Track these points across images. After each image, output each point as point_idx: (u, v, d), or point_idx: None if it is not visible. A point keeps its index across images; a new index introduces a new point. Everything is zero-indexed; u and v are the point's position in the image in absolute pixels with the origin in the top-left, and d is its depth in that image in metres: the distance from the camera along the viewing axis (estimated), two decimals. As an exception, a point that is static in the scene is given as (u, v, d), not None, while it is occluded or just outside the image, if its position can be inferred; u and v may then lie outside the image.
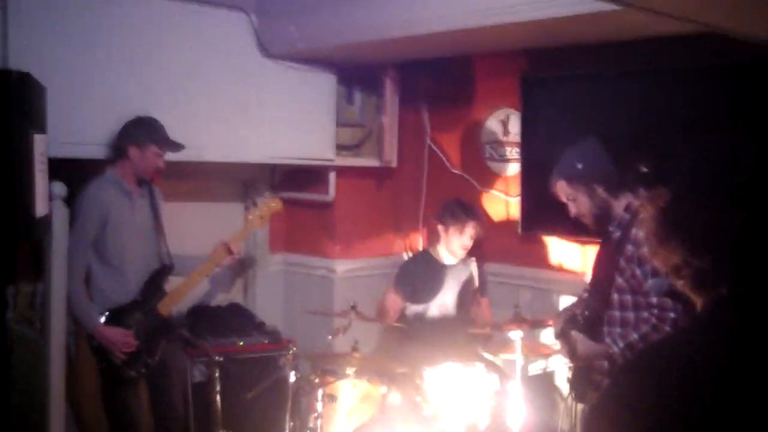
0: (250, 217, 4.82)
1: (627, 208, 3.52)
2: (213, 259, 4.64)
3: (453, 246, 5.08)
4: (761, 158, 4.20)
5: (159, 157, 4.37)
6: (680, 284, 1.60)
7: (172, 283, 4.61)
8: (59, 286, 4.24)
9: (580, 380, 3.59)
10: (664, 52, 4.55)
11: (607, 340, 3.41)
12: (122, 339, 4.26)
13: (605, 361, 3.46)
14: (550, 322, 4.32)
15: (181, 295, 4.56)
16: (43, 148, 3.71)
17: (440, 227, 5.11)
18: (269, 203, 4.87)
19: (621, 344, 3.34)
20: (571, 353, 3.47)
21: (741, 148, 4.33)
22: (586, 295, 3.83)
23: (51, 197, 4.07)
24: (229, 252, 4.64)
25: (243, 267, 6.01)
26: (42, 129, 3.75)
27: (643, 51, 4.60)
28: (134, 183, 4.42)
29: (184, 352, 4.77)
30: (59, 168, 4.01)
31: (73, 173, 4.38)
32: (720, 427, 1.39)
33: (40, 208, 3.67)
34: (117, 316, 4.32)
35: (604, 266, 3.58)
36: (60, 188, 4.19)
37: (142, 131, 4.34)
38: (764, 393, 1.40)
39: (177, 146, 4.41)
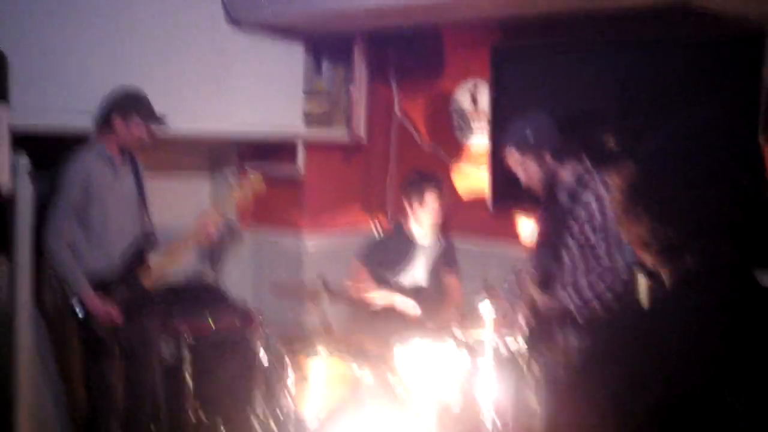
0: (233, 194, 4.74)
1: (573, 175, 3.72)
2: (195, 230, 4.58)
3: (420, 219, 5.04)
4: (732, 134, 4.21)
5: (143, 129, 4.34)
6: (648, 258, 1.58)
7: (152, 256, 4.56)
8: (25, 261, 4.16)
9: (534, 336, 3.79)
10: (637, 24, 4.53)
11: (562, 296, 3.61)
12: (110, 309, 4.25)
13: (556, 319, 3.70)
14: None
15: (165, 266, 4.52)
16: (5, 117, 3.63)
17: (405, 203, 5.07)
18: (253, 182, 4.80)
19: (577, 300, 3.57)
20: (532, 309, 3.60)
21: (713, 124, 4.33)
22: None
23: (15, 171, 3.97)
24: (210, 226, 4.60)
25: (228, 241, 5.98)
26: (4, 98, 3.66)
27: (616, 23, 4.58)
28: (118, 153, 4.39)
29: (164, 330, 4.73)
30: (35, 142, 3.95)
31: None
32: (691, 405, 1.39)
33: (3, 179, 3.59)
34: (101, 286, 4.30)
35: (552, 229, 3.75)
36: (24, 160, 4.08)
37: (127, 102, 4.31)
38: (734, 369, 1.40)
39: (161, 120, 4.40)
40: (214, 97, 5.06)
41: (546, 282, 3.71)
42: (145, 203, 4.51)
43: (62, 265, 4.26)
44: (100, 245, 4.33)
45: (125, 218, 4.43)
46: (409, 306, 5.01)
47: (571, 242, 3.62)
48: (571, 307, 3.56)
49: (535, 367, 3.99)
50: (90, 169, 4.27)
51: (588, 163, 3.73)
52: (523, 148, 3.79)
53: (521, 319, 3.79)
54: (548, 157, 3.75)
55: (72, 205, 4.24)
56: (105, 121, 4.33)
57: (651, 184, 1.55)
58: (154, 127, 4.39)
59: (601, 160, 3.75)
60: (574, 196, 3.66)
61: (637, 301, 3.58)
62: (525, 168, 3.80)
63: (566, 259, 3.66)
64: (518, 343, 4.94)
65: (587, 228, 3.57)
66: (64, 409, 4.75)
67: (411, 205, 5.02)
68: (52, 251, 4.23)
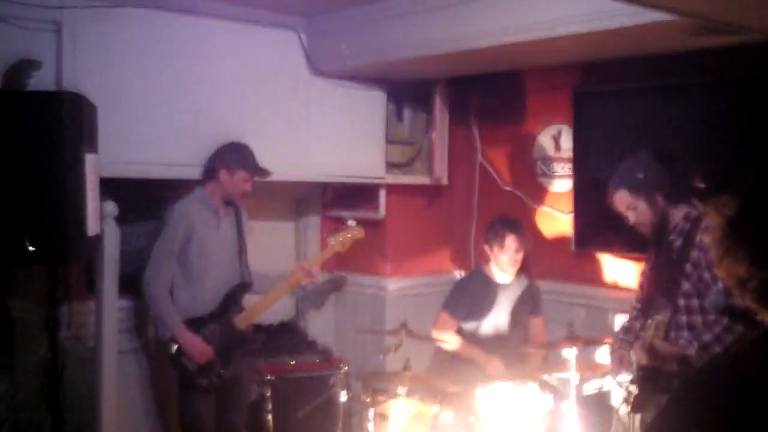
0: (332, 242, 4.84)
1: (686, 218, 3.61)
2: (292, 279, 4.73)
3: (500, 263, 5.03)
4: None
5: (246, 182, 4.51)
6: (746, 297, 1.52)
7: (249, 300, 4.66)
8: (111, 303, 4.29)
9: (645, 386, 3.54)
10: (716, 63, 4.47)
11: (681, 341, 3.44)
12: (202, 346, 4.36)
13: (674, 364, 3.47)
14: (606, 340, 4.25)
15: (259, 311, 4.63)
16: (94, 167, 3.76)
17: (486, 247, 5.08)
18: (352, 230, 4.88)
19: (696, 344, 3.37)
20: (650, 354, 3.44)
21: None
22: (635, 312, 3.81)
23: (103, 216, 4.12)
24: (309, 274, 4.72)
25: (335, 286, 6.08)
26: (93, 149, 3.81)
27: (694, 62, 4.52)
28: (221, 202, 4.55)
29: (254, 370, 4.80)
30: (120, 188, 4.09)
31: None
32: None
33: (92, 228, 3.72)
34: (195, 325, 4.40)
35: (665, 274, 3.61)
36: (112, 207, 4.24)
37: (234, 156, 4.49)
38: None
39: (265, 173, 4.56)
40: (297, 146, 5.15)
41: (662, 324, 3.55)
42: (244, 249, 4.65)
43: (158, 304, 4.39)
44: (196, 288, 4.45)
45: (223, 264, 4.56)
46: (492, 365, 4.95)
47: (685, 284, 3.51)
48: (691, 351, 3.38)
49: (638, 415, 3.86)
50: (193, 214, 4.43)
51: (700, 207, 3.61)
52: (635, 189, 3.69)
53: (632, 363, 3.61)
54: (660, 199, 3.67)
55: (174, 248, 4.38)
56: (211, 171, 4.50)
57: (750, 219, 1.50)
58: (257, 179, 4.53)
59: (704, 199, 3.65)
60: (687, 238, 3.56)
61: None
62: (636, 210, 3.69)
63: (682, 302, 3.53)
64: (603, 386, 4.88)
65: (702, 268, 3.45)
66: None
67: (491, 249, 5.02)
68: (149, 290, 4.36)
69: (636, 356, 3.58)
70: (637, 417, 3.74)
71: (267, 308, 4.67)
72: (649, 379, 3.52)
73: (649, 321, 3.55)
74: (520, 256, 5.01)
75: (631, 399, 3.61)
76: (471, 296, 5.13)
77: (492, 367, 4.96)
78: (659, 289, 3.65)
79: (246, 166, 4.47)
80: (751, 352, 1.51)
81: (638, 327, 3.76)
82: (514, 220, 5.11)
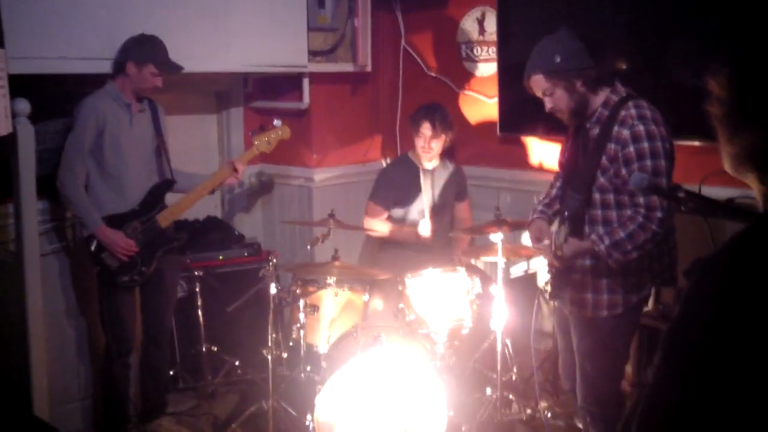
0: (257, 141, 4.73)
1: (605, 104, 3.43)
2: (217, 177, 4.64)
3: (417, 148, 5.04)
4: None
5: (156, 77, 4.33)
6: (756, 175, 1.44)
7: (172, 198, 4.57)
8: (29, 205, 4.15)
9: (558, 279, 3.57)
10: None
11: (592, 237, 3.36)
12: (123, 241, 4.30)
13: (586, 260, 3.44)
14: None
15: (182, 209, 4.54)
16: (1, 63, 3.59)
17: (412, 133, 5.06)
18: (278, 130, 4.77)
19: (607, 241, 3.29)
20: (556, 253, 3.43)
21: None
22: (554, 191, 3.77)
23: (15, 115, 3.96)
24: (234, 171, 4.63)
25: (263, 186, 6.02)
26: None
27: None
28: (133, 98, 4.40)
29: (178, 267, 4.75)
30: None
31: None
32: None
33: (3, 127, 3.57)
34: (116, 222, 4.34)
35: (582, 164, 3.50)
36: (23, 105, 4.06)
37: (142, 49, 4.30)
38: None
39: (176, 68, 4.38)
40: (217, 36, 4.98)
41: (573, 220, 3.45)
42: (164, 147, 4.53)
43: (74, 202, 4.29)
44: (114, 185, 4.35)
45: (140, 161, 4.44)
46: (420, 226, 4.99)
47: (601, 178, 3.37)
48: (601, 247, 3.29)
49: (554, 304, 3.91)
50: (104, 110, 4.28)
51: (622, 90, 3.43)
52: (552, 74, 3.40)
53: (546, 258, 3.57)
54: (579, 84, 3.40)
55: (85, 145, 4.26)
56: (120, 67, 4.33)
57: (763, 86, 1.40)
58: (168, 73, 4.37)
59: (611, 83, 3.51)
60: (604, 127, 3.37)
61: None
62: (552, 96, 3.44)
63: (597, 196, 3.40)
64: (529, 268, 4.98)
65: (620, 161, 3.29)
66: (85, 345, 4.81)
67: (413, 135, 5.02)
68: (64, 189, 4.26)
69: (548, 261, 3.55)
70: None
71: (190, 206, 4.59)
72: (561, 273, 3.53)
73: (559, 226, 3.50)
74: (435, 144, 4.99)
75: (548, 289, 3.66)
76: (395, 183, 5.14)
77: (422, 230, 4.98)
78: (573, 179, 3.61)
79: (154, 60, 4.29)
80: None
81: (555, 208, 3.73)
82: (434, 106, 5.06)
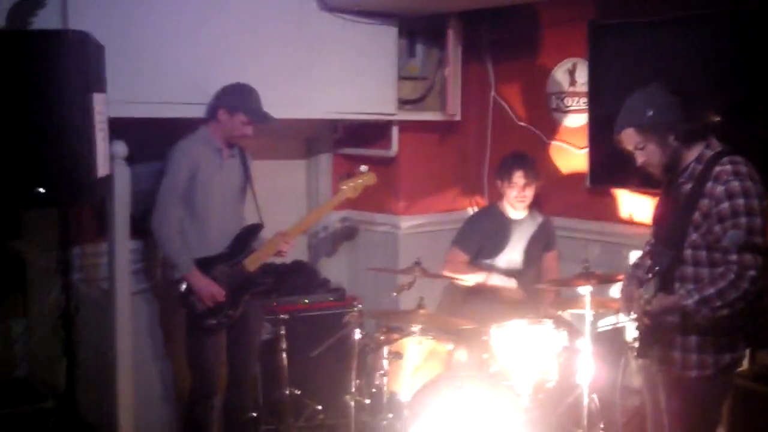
0: (344, 187, 4.80)
1: (699, 159, 3.35)
2: (268, 248, 4.59)
3: (509, 198, 5.04)
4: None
5: (246, 126, 4.40)
6: None
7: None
8: (122, 245, 4.26)
9: (647, 336, 3.46)
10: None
11: (681, 291, 3.27)
12: (212, 287, 4.35)
13: (675, 318, 3.34)
14: (621, 277, 4.20)
15: (268, 254, 4.58)
16: (102, 107, 3.71)
17: (498, 182, 5.06)
18: (364, 176, 4.84)
19: (696, 296, 3.20)
20: (644, 308, 3.33)
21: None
22: (648, 248, 3.69)
23: (112, 157, 4.08)
24: (281, 250, 4.62)
25: (347, 229, 6.10)
26: (101, 88, 3.75)
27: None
28: (224, 143, 4.48)
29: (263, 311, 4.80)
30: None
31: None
32: None
33: (101, 169, 3.68)
34: (204, 266, 4.39)
35: (674, 220, 3.42)
36: (121, 147, 4.18)
37: (234, 98, 4.39)
38: None
39: (266, 119, 4.44)
40: (308, 83, 5.06)
41: (664, 278, 3.34)
42: (252, 191, 4.60)
43: (168, 244, 4.36)
44: (203, 229, 4.42)
45: (228, 206, 4.52)
46: (507, 282, 4.97)
47: (693, 235, 3.28)
48: (689, 302, 3.19)
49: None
50: (197, 154, 4.37)
51: (716, 145, 3.35)
52: (644, 128, 3.34)
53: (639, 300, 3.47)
54: (672, 139, 3.33)
55: (179, 188, 4.34)
56: (213, 112, 4.42)
57: None
58: (259, 124, 4.44)
59: (706, 138, 3.43)
60: (697, 182, 3.29)
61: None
62: (644, 150, 3.38)
63: (689, 252, 3.31)
64: (618, 322, 4.87)
65: (714, 217, 3.20)
66: (170, 386, 4.87)
67: (501, 184, 5.02)
68: (158, 231, 4.34)
69: (637, 318, 3.45)
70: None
71: (272, 254, 4.61)
72: (650, 331, 3.41)
73: (649, 276, 3.40)
74: (528, 192, 4.98)
75: (635, 346, 3.55)
76: (482, 231, 5.12)
77: (511, 291, 4.95)
78: (664, 235, 3.52)
79: (245, 108, 4.37)
80: None
81: (645, 265, 3.62)
82: (523, 155, 5.08)
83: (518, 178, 4.94)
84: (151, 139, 4.61)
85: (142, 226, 4.43)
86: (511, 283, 5.01)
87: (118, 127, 4.01)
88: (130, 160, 4.29)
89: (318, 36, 5.08)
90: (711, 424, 3.47)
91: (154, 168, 4.57)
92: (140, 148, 4.45)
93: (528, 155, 5.06)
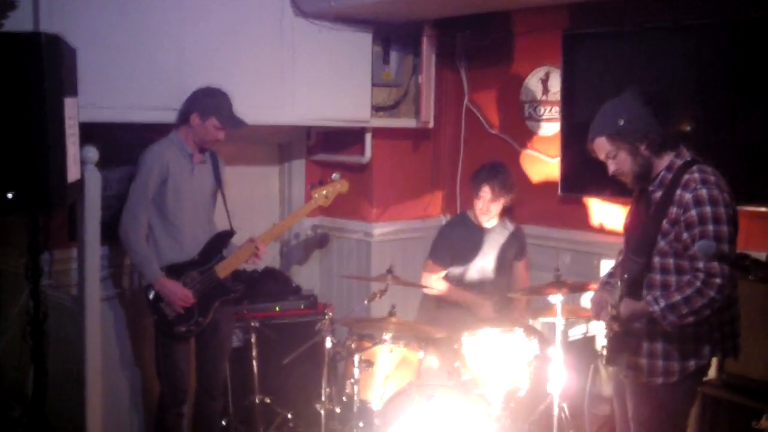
0: (315, 195, 4.79)
1: (669, 167, 3.39)
2: (238, 255, 4.57)
3: (475, 209, 5.04)
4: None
5: (219, 131, 4.38)
6: None
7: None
8: (93, 251, 4.22)
9: (615, 344, 3.49)
10: (709, 5, 4.38)
11: (647, 298, 3.31)
12: (182, 293, 4.32)
13: (642, 325, 3.38)
14: (591, 286, 4.22)
15: (239, 261, 4.55)
16: (73, 111, 3.68)
17: (472, 192, 5.06)
18: (336, 184, 4.83)
19: (662, 303, 3.24)
20: (614, 318, 3.35)
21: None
22: (621, 257, 3.71)
23: (83, 162, 4.04)
24: (255, 251, 4.57)
25: (319, 237, 6.09)
26: (73, 92, 3.71)
27: (687, 3, 4.44)
28: (196, 148, 4.45)
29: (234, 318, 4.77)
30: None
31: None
32: None
33: (72, 174, 3.64)
34: (174, 272, 4.37)
35: (643, 227, 3.45)
36: (92, 153, 4.14)
37: (207, 102, 4.36)
38: None
39: (238, 123, 4.42)
40: (282, 89, 5.05)
41: (632, 285, 3.39)
42: (223, 198, 4.58)
43: (136, 250, 4.33)
44: (174, 234, 4.39)
45: (199, 211, 4.49)
46: (484, 309, 4.97)
47: (661, 242, 3.33)
48: (655, 309, 3.24)
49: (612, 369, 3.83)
50: (168, 159, 4.34)
51: (686, 154, 3.39)
52: (615, 137, 3.39)
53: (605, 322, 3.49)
54: (643, 148, 3.38)
55: (149, 193, 4.31)
56: (185, 117, 4.39)
57: None
58: (231, 129, 4.42)
59: (676, 147, 3.46)
60: (667, 190, 3.34)
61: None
62: (616, 159, 3.43)
63: (657, 260, 3.36)
64: (588, 331, 4.90)
65: (682, 225, 3.25)
66: (139, 394, 4.83)
67: (474, 196, 5.01)
68: (127, 236, 4.31)
69: (606, 324, 3.47)
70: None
71: (243, 261, 4.59)
72: (617, 338, 3.45)
73: (618, 283, 3.42)
74: (493, 207, 4.98)
75: (604, 353, 3.58)
76: (453, 241, 5.14)
77: (484, 309, 4.96)
78: (633, 243, 3.53)
79: (218, 114, 4.34)
80: None
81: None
82: (498, 168, 5.03)
83: (485, 192, 4.94)
84: (120, 144, 4.58)
85: (109, 231, 4.38)
86: (484, 303, 5.00)
87: (88, 131, 3.97)
88: (100, 165, 4.25)
89: (293, 42, 5.07)
90: (678, 430, 3.50)
91: (123, 173, 4.53)
92: (108, 152, 4.40)
93: (503, 168, 5.03)
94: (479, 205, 4.99)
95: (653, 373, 3.39)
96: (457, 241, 5.12)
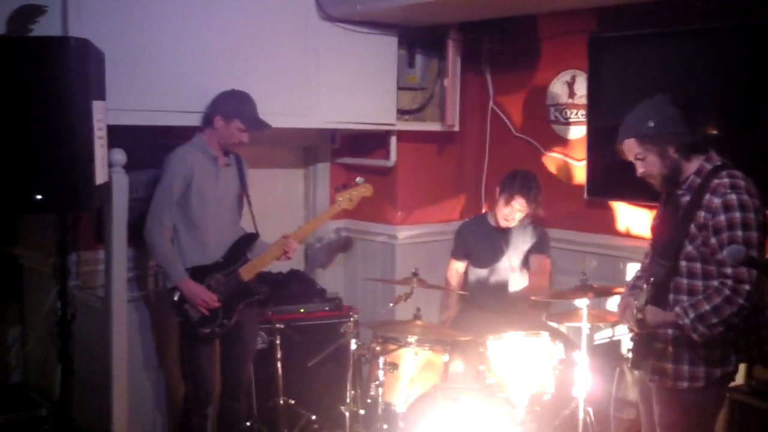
0: (339, 198, 4.79)
1: (698, 171, 3.37)
2: (270, 253, 4.58)
3: (497, 212, 5.04)
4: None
5: (242, 133, 4.39)
6: None
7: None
8: (120, 253, 4.25)
9: (640, 348, 3.48)
10: (737, 8, 4.35)
11: (677, 309, 3.28)
12: (207, 295, 4.33)
13: (668, 330, 3.36)
14: (618, 290, 4.20)
15: (264, 263, 4.56)
16: (101, 115, 3.71)
17: (497, 190, 5.04)
18: (360, 188, 4.83)
19: (692, 314, 3.21)
20: (640, 322, 3.34)
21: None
22: (647, 260, 3.69)
23: (110, 164, 4.08)
24: (286, 253, 4.58)
25: (343, 243, 6.10)
26: (101, 96, 3.75)
27: (715, 6, 4.42)
28: (220, 150, 4.46)
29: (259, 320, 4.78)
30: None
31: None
32: None
33: (100, 176, 3.68)
34: (199, 274, 4.38)
35: (670, 231, 3.44)
36: (120, 155, 4.18)
37: (230, 105, 4.38)
38: None
39: (262, 125, 4.43)
40: (307, 92, 5.06)
41: (658, 289, 3.38)
42: (248, 201, 4.59)
43: (161, 252, 4.35)
44: (199, 237, 4.41)
45: (223, 214, 4.50)
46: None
47: (689, 246, 3.31)
48: (686, 321, 3.21)
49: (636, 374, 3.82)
50: (193, 162, 4.35)
51: (716, 158, 3.38)
52: (644, 139, 3.38)
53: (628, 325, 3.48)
54: (672, 150, 3.36)
55: (174, 196, 4.33)
56: (209, 120, 4.42)
57: None
58: (255, 131, 4.43)
59: (705, 151, 3.44)
60: (696, 194, 3.33)
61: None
62: (644, 161, 3.42)
63: (684, 264, 3.35)
64: (614, 335, 4.87)
65: (710, 229, 3.23)
66: (163, 395, 4.86)
67: (499, 197, 5.02)
68: (152, 239, 4.32)
69: (628, 325, 3.46)
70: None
71: (272, 261, 4.60)
72: (643, 342, 3.45)
73: (644, 286, 3.40)
74: (518, 216, 4.99)
75: (630, 357, 3.57)
76: (468, 239, 5.20)
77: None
78: (661, 246, 3.51)
79: (242, 116, 4.36)
80: None
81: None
82: (531, 180, 5.02)
83: (519, 204, 4.93)
84: (146, 147, 4.61)
85: (136, 233, 4.42)
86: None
87: (115, 134, 4.00)
88: (127, 167, 4.28)
89: (318, 45, 5.08)
90: None
91: (149, 175, 4.56)
92: (135, 155, 4.44)
93: (536, 182, 5.01)
94: (506, 211, 4.96)
95: (679, 377, 3.37)
96: (475, 240, 5.13)
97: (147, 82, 4.34)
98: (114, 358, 4.26)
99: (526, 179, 4.98)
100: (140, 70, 4.30)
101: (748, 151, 4.36)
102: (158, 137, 4.66)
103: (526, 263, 5.11)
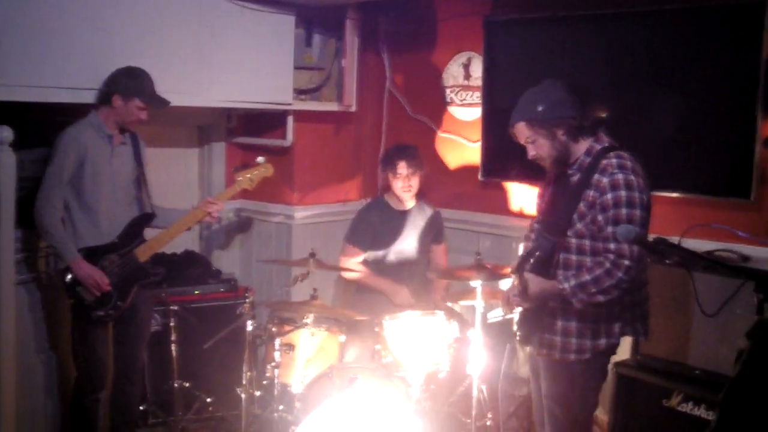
0: (240, 178, 4.73)
1: (588, 152, 3.48)
2: (194, 215, 4.59)
3: (396, 189, 5.08)
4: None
5: (142, 111, 4.31)
6: None
7: (150, 232, 4.53)
8: (7, 234, 4.11)
9: (528, 323, 3.58)
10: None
11: (559, 276, 3.40)
12: (99, 277, 4.23)
13: (557, 303, 3.46)
14: (507, 270, 4.29)
15: (161, 243, 4.49)
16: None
17: (384, 174, 5.11)
18: (261, 168, 4.77)
19: (573, 282, 3.33)
20: (523, 292, 3.43)
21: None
22: (533, 235, 3.78)
23: (-1, 142, 3.94)
24: (211, 214, 4.61)
25: (241, 220, 6.02)
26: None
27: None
28: (115, 129, 4.36)
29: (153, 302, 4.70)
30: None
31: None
32: None
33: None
34: (93, 255, 4.28)
35: (561, 208, 3.53)
36: (7, 132, 4.03)
37: (129, 82, 4.28)
38: None
39: (162, 102, 4.36)
40: (202, 70, 4.98)
41: (543, 263, 3.46)
42: (144, 180, 4.50)
43: (52, 233, 4.23)
44: (91, 216, 4.30)
45: (119, 194, 4.40)
46: (401, 295, 5.00)
47: (578, 224, 3.40)
48: (566, 287, 3.33)
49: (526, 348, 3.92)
50: (85, 141, 4.24)
51: (605, 140, 3.48)
52: (534, 122, 3.48)
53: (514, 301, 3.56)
54: (561, 133, 3.46)
55: (64, 175, 4.21)
56: (105, 98, 4.30)
57: None
58: (155, 108, 4.35)
59: (594, 132, 3.54)
60: (585, 173, 3.42)
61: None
62: (534, 143, 3.51)
63: (573, 241, 3.43)
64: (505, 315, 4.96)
65: (597, 208, 3.34)
66: (55, 379, 4.74)
67: (387, 177, 5.08)
68: (42, 219, 4.20)
69: (514, 303, 3.55)
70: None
71: (169, 241, 4.55)
72: (531, 317, 3.55)
73: (530, 259, 3.48)
74: (413, 182, 5.06)
75: (517, 334, 3.67)
76: (373, 225, 5.16)
77: (400, 296, 4.99)
78: (550, 222, 3.59)
79: (141, 94, 4.27)
80: None
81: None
82: (405, 145, 5.17)
83: (402, 168, 5.00)
84: (36, 124, 4.46)
85: (24, 214, 4.27)
86: (400, 290, 5.04)
87: (2, 111, 3.86)
88: (15, 145, 4.13)
89: (213, 22, 4.99)
90: (589, 406, 3.61)
91: (38, 154, 4.41)
92: (24, 132, 4.28)
93: (410, 145, 5.15)
94: (399, 183, 5.02)
95: (566, 350, 3.48)
96: (376, 225, 5.14)
97: (38, 58, 4.17)
98: (2, 341, 4.12)
99: (398, 147, 5.14)
100: (30, 45, 4.14)
101: (638, 134, 4.51)
102: (50, 114, 4.50)
103: (423, 242, 5.16)
